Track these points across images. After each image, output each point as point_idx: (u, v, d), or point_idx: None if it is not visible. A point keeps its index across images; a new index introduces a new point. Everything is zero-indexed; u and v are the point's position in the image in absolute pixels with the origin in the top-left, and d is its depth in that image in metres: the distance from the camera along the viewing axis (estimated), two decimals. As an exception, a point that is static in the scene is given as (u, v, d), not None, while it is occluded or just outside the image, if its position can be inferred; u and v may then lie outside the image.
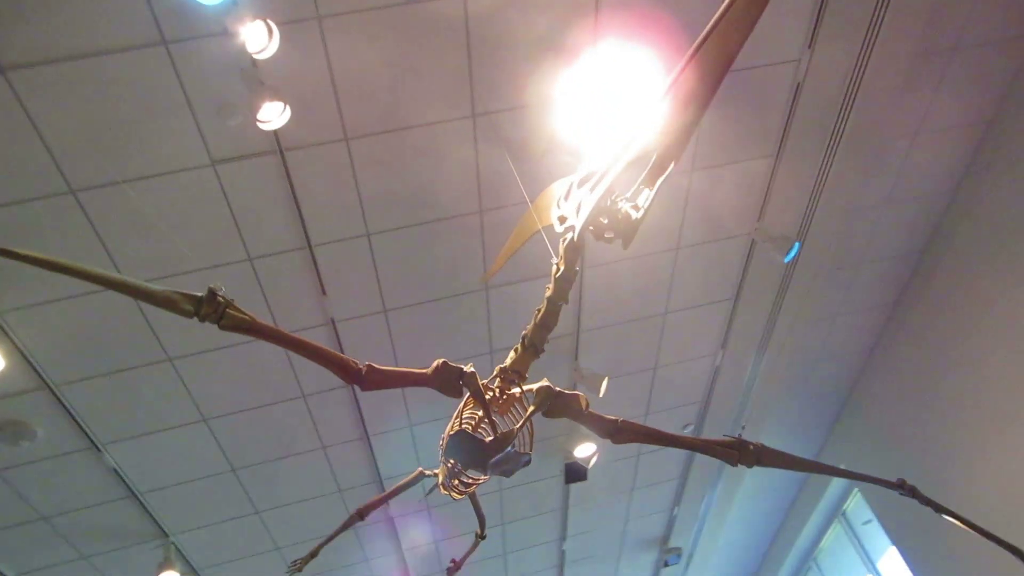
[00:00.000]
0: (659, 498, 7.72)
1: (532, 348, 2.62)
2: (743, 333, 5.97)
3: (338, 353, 2.53)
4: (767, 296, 5.70)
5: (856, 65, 4.32)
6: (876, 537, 7.95)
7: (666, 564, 8.51)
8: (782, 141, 4.66)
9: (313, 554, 3.45)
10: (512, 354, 2.72)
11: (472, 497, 3.21)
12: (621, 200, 2.18)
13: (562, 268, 2.44)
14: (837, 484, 8.08)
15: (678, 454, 7.19)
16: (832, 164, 4.83)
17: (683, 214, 4.90)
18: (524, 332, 2.63)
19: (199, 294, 2.29)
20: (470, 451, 2.58)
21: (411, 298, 4.86)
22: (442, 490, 2.98)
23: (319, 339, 4.83)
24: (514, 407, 2.79)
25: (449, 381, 2.59)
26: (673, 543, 8.31)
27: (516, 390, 2.75)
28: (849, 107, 4.54)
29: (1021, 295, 5.35)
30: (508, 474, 2.71)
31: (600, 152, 2.23)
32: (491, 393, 2.78)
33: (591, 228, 2.24)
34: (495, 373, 2.76)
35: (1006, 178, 5.24)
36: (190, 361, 4.65)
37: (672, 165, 2.09)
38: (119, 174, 3.68)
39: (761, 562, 9.52)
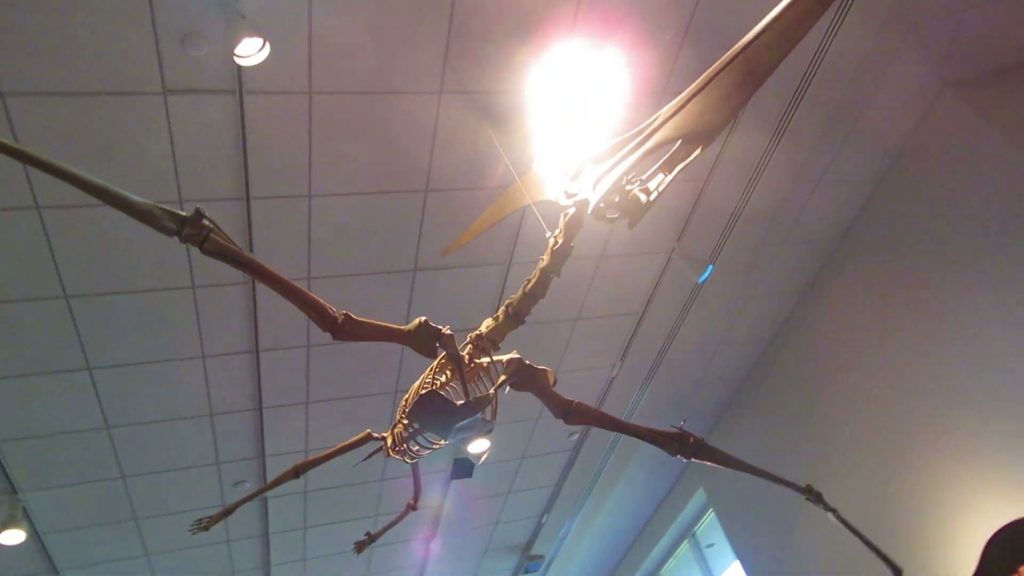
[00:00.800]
0: (531, 504, 7.86)
1: (515, 317, 2.66)
2: (641, 348, 6.24)
3: (318, 299, 2.48)
4: (670, 314, 6.00)
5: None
6: (721, 557, 8.50)
7: (526, 571, 8.65)
8: (712, 168, 4.96)
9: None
10: (490, 321, 2.74)
11: (415, 465, 3.19)
12: (636, 181, 2.28)
13: (560, 241, 2.50)
14: (693, 505, 8.55)
15: (559, 462, 7.38)
16: (749, 198, 5.20)
17: (612, 224, 5.09)
18: (509, 301, 2.66)
19: (184, 213, 2.21)
20: (439, 413, 2.58)
21: (337, 269, 4.74)
22: (391, 454, 2.94)
23: (232, 296, 4.63)
24: (480, 376, 2.81)
25: (426, 340, 2.59)
26: (536, 550, 8.47)
27: (486, 359, 2.77)
28: (773, 149, 4.92)
29: (892, 344, 5.89)
30: (465, 441, 2.74)
31: (621, 133, 2.33)
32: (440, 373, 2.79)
33: (601, 204, 2.32)
34: (468, 340, 2.78)
35: (887, 231, 5.77)
36: (84, 301, 4.29)
37: (696, 153, 2.20)
38: (56, 84, 3.39)
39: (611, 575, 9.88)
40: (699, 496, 8.39)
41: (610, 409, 6.73)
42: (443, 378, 2.74)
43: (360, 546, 3.70)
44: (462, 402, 2.56)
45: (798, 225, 5.76)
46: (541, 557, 8.49)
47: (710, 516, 8.52)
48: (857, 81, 4.84)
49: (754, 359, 7.16)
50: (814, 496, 3.27)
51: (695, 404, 7.38)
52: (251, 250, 4.37)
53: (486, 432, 2.73)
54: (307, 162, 4.08)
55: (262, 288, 4.60)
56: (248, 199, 4.13)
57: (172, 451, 5.52)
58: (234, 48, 3.20)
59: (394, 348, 5.36)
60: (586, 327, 5.82)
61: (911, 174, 5.47)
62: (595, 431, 7.10)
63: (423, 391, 2.63)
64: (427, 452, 2.87)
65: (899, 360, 5.59)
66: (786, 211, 5.59)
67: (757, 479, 6.85)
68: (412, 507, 3.40)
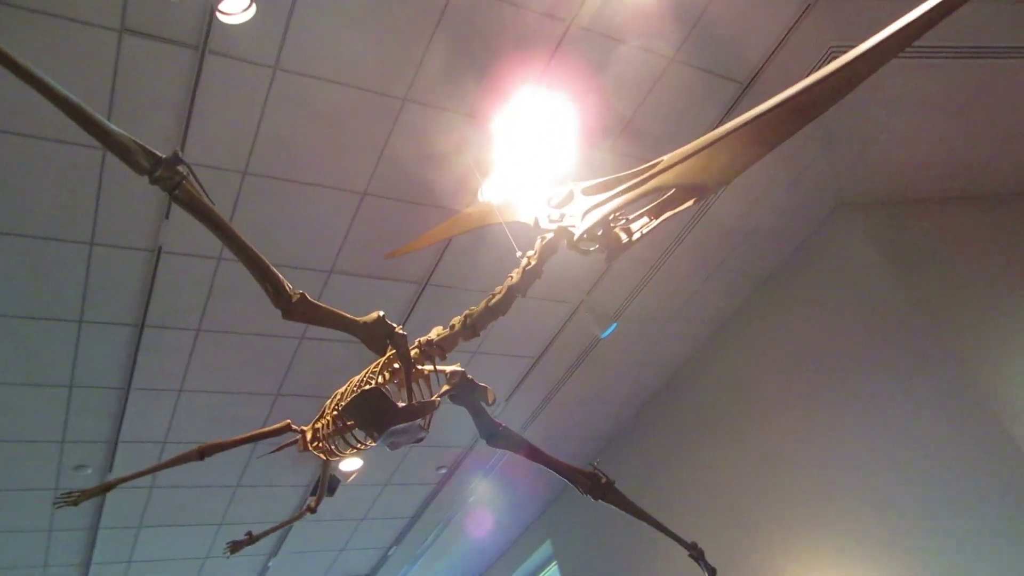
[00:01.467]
0: (383, 534, 7.66)
1: (471, 329, 2.63)
2: (528, 393, 6.33)
3: (279, 274, 2.40)
4: (562, 365, 6.14)
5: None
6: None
7: (361, 603, 8.36)
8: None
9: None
10: (441, 329, 2.70)
11: (326, 466, 3.05)
12: (622, 220, 2.36)
13: (533, 263, 2.52)
14: (539, 555, 8.64)
15: (420, 494, 7.25)
16: (653, 276, 5.48)
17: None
18: (468, 312, 2.64)
19: (160, 153, 2.12)
20: (378, 412, 2.51)
21: (228, 325, 4.67)
22: (308, 448, 2.82)
23: (132, 263, 4.32)
24: (418, 383, 2.76)
25: (377, 336, 2.54)
26: (378, 583, 8.23)
27: (428, 367, 2.73)
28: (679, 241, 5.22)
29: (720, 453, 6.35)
30: (395, 446, 2.67)
31: (615, 173, 2.41)
32: (399, 364, 2.73)
33: (585, 236, 2.38)
34: (416, 344, 2.73)
35: (761, 326, 6.23)
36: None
37: (688, 204, 2.30)
38: (7, -3, 3.11)
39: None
40: (546, 548, 8.49)
41: (481, 450, 6.79)
42: (382, 379, 2.68)
43: (236, 546, 3.48)
44: (404, 405, 2.50)
45: (688, 307, 6.08)
46: (378, 590, 8.24)
47: (552, 570, 8.64)
48: (758, 191, 5.19)
49: (624, 421, 7.42)
50: (697, 553, 3.40)
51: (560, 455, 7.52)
52: (165, 217, 4.11)
53: (417, 440, 2.67)
54: (252, 138, 3.91)
55: (165, 262, 4.34)
56: (178, 162, 3.89)
57: (15, 419, 4.98)
58: (219, 3, 3.06)
59: (286, 350, 5.20)
60: (483, 361, 5.84)
61: (794, 277, 5.95)
62: (464, 469, 7.09)
63: (366, 387, 2.55)
64: (348, 452, 2.77)
65: (754, 450, 5.97)
66: (680, 294, 5.90)
67: (606, 540, 7.12)
68: (312, 509, 3.24)
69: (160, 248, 4.26)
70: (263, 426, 5.52)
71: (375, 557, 7.98)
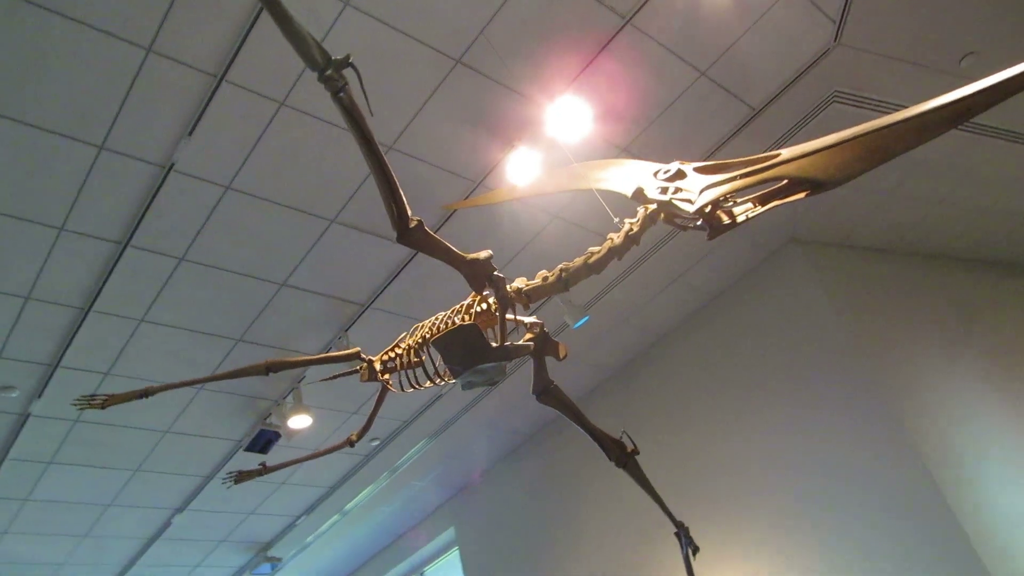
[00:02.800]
0: (297, 501, 7.49)
1: (563, 283, 2.72)
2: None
3: (404, 197, 2.45)
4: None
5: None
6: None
7: (255, 571, 8.09)
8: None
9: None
10: (536, 281, 2.77)
11: (381, 400, 3.05)
12: (730, 202, 2.56)
13: (635, 229, 2.65)
14: (440, 540, 8.71)
15: (345, 465, 7.16)
16: (637, 270, 5.76)
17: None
18: (564, 266, 2.73)
19: (337, 57, 2.16)
20: (470, 347, 2.57)
21: (214, 259, 4.56)
22: (377, 377, 2.82)
23: (134, 176, 4.12)
24: (494, 328, 2.82)
25: (480, 274, 2.61)
26: (276, 551, 7.99)
27: (509, 315, 2.81)
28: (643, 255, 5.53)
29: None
30: (470, 386, 2.73)
31: (733, 157, 2.61)
32: (485, 305, 2.80)
33: (694, 212, 2.55)
34: (509, 289, 2.77)
35: (695, 347, 6.65)
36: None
37: (798, 197, 2.53)
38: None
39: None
40: (449, 533, 8.58)
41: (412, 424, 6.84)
42: (468, 317, 2.75)
43: (243, 476, 3.37)
44: (497, 345, 2.58)
45: (640, 313, 6.41)
46: (278, 560, 8.01)
47: (452, 554, 8.73)
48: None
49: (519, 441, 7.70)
50: (684, 531, 3.60)
51: (466, 457, 7.72)
52: (190, 133, 3.94)
53: (492, 383, 2.75)
54: (243, 157, 3.99)
55: (173, 181, 4.16)
56: (168, 170, 4.06)
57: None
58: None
59: (263, 295, 5.07)
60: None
61: (740, 299, 6.40)
62: (396, 444, 7.08)
63: (464, 323, 2.61)
64: (424, 385, 2.81)
65: (680, 451, 6.33)
66: (638, 301, 6.23)
67: (509, 533, 7.36)
68: (352, 441, 3.20)
69: (172, 165, 4.07)
70: (215, 371, 5.40)
71: (282, 525, 7.77)
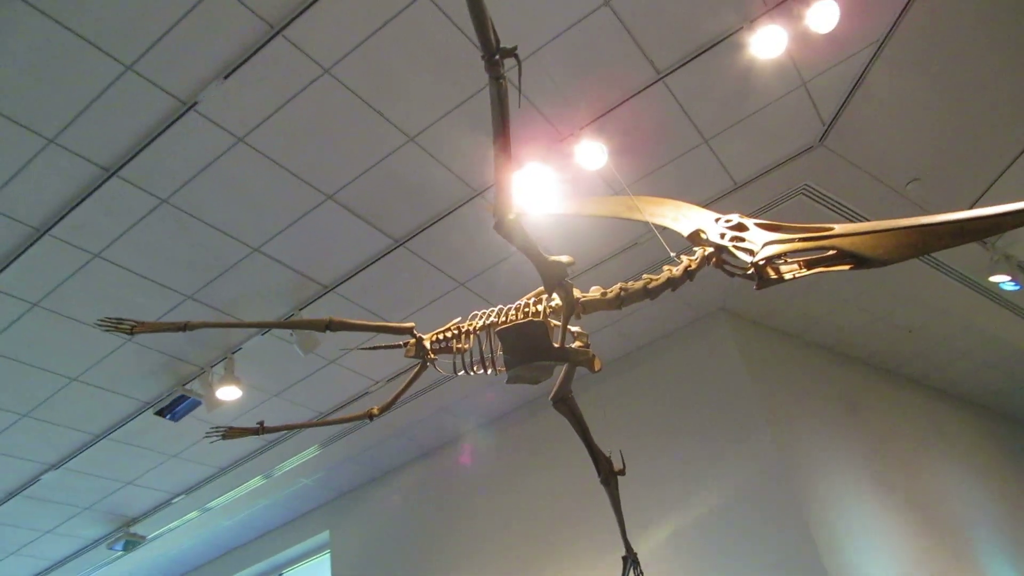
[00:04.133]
0: (181, 478, 7.08)
1: (617, 302, 2.88)
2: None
3: (512, 193, 2.55)
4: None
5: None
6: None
7: (109, 547, 7.51)
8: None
9: None
10: (594, 294, 2.92)
11: (415, 378, 3.07)
12: (782, 260, 2.85)
13: (694, 266, 2.88)
14: (313, 542, 8.48)
15: (243, 448, 6.88)
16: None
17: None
18: (624, 285, 2.90)
19: (506, 46, 2.29)
20: (532, 342, 2.69)
21: (197, 208, 4.54)
22: (428, 354, 2.87)
23: (153, 108, 3.95)
24: (550, 330, 2.93)
25: (554, 276, 2.73)
26: (140, 529, 7.48)
27: (557, 322, 2.95)
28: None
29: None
30: (516, 379, 2.84)
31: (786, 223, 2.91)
32: (540, 307, 2.92)
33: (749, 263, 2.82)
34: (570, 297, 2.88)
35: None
36: None
37: (842, 268, 2.86)
38: None
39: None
40: (323, 536, 8.38)
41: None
42: (515, 316, 2.86)
43: (235, 432, 3.24)
44: (558, 346, 2.72)
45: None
46: (141, 538, 7.48)
47: (322, 557, 8.52)
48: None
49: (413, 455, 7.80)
50: (632, 557, 3.79)
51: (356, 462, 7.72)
52: (225, 78, 3.84)
53: (537, 382, 2.87)
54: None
55: (188, 119, 4.01)
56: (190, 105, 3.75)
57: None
58: None
59: (232, 256, 4.94)
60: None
61: (663, 351, 6.84)
62: (301, 436, 6.91)
63: (532, 318, 2.73)
64: (467, 372, 2.88)
65: (570, 483, 6.58)
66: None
67: (387, 546, 7.43)
68: (372, 415, 3.14)
69: (194, 104, 3.93)
70: (156, 319, 5.14)
71: (156, 500, 7.29)
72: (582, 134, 4.53)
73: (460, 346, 2.92)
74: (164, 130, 4.03)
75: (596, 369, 3.11)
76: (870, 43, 4.43)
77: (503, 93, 2.28)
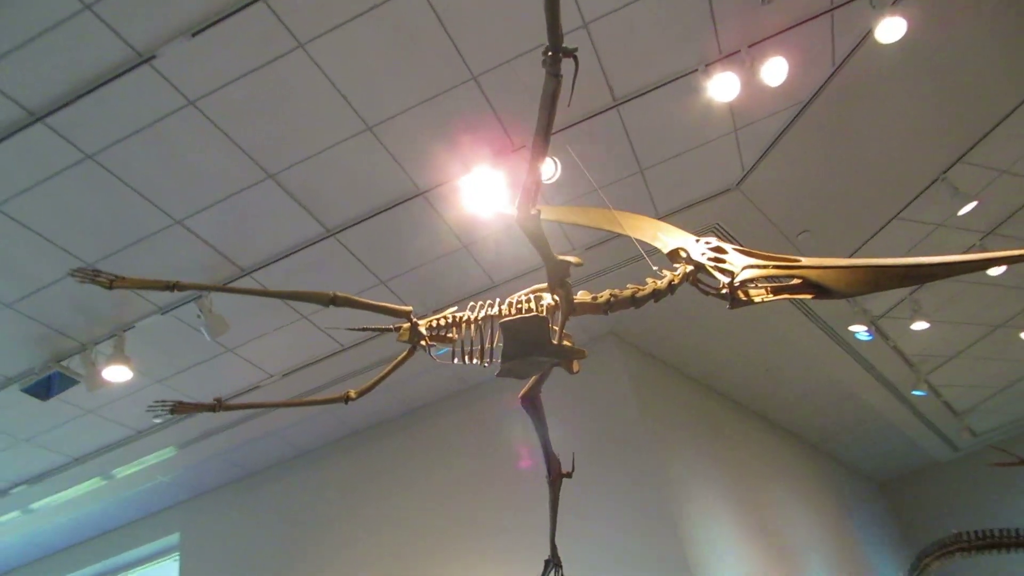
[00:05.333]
0: (26, 464, 6.37)
1: (606, 307, 2.99)
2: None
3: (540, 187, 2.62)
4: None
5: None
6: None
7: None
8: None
9: None
10: (585, 298, 3.00)
11: (400, 364, 2.99)
12: (753, 284, 3.12)
13: (676, 281, 3.06)
14: (162, 543, 7.91)
15: (108, 436, 6.32)
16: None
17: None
18: (614, 292, 3.02)
19: (571, 48, 2.37)
20: (531, 337, 2.75)
21: (124, 170, 4.17)
22: (421, 340, 2.84)
23: (103, 54, 3.65)
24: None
25: (558, 275, 2.82)
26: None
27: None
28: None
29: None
30: (507, 373, 2.89)
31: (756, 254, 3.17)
32: (534, 304, 2.98)
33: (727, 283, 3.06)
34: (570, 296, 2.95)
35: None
36: None
37: (805, 296, 3.18)
38: None
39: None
40: (172, 538, 7.83)
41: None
42: (520, 310, 2.92)
43: (186, 407, 3.00)
44: (555, 343, 2.81)
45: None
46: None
47: (169, 560, 7.94)
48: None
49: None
50: (556, 561, 3.88)
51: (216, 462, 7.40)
52: (193, 35, 3.61)
53: (526, 376, 2.93)
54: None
55: (140, 73, 3.73)
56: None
57: None
58: None
59: (151, 224, 4.64)
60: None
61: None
62: (176, 428, 6.46)
63: (537, 313, 2.79)
64: (463, 362, 2.88)
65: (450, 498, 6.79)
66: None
67: (253, 549, 7.17)
68: (348, 398, 2.98)
69: (152, 58, 3.67)
70: (38, 290, 4.71)
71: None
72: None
73: (452, 336, 2.92)
74: (109, 81, 3.72)
75: (575, 371, 3.23)
76: (796, 103, 4.92)
77: (557, 90, 2.33)
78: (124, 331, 5.20)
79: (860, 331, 6.98)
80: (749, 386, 8.72)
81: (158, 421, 3.18)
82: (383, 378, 2.98)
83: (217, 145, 4.18)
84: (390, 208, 4.91)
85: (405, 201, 4.89)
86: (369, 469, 7.21)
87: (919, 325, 7.28)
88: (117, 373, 5.10)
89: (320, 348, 5.98)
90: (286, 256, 5.03)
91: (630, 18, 4.17)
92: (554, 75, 2.32)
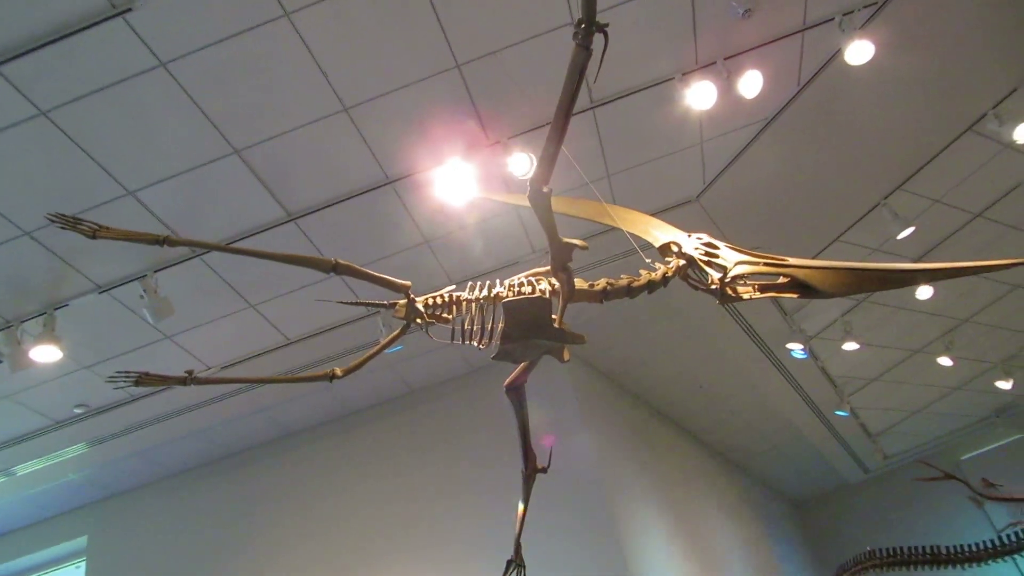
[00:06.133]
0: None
1: (601, 296, 2.97)
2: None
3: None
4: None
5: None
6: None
7: None
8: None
9: None
10: (583, 285, 2.97)
11: (392, 342, 2.86)
12: (742, 281, 3.18)
13: (670, 274, 3.07)
14: (67, 547, 7.36)
15: (27, 424, 5.87)
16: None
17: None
18: (609, 281, 3.00)
19: (602, 24, 2.36)
20: (533, 319, 2.71)
21: (79, 131, 3.90)
22: (419, 318, 2.73)
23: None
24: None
25: (561, 258, 2.79)
26: None
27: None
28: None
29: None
30: (504, 355, 2.82)
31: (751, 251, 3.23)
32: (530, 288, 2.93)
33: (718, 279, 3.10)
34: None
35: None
36: None
37: (791, 295, 3.24)
38: None
39: None
40: (79, 542, 7.31)
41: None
42: (517, 292, 2.86)
43: (151, 379, 2.76)
44: (557, 327, 2.77)
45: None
46: None
47: (74, 566, 7.40)
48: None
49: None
50: (519, 562, 3.79)
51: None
52: None
53: (523, 360, 2.87)
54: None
55: (113, 27, 3.52)
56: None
57: None
58: None
59: (99, 193, 4.38)
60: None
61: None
62: (96, 421, 6.06)
63: (538, 294, 2.74)
64: (460, 341, 2.79)
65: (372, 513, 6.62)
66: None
67: (166, 557, 6.80)
68: (333, 376, 2.81)
69: (127, 10, 3.44)
70: None
71: None
72: (509, 144, 4.63)
73: (447, 316, 2.83)
74: (77, 32, 3.47)
75: (566, 359, 3.18)
76: (761, 120, 5.07)
77: (586, 63, 2.31)
78: (55, 309, 4.84)
79: (796, 349, 7.22)
80: (684, 403, 8.89)
81: (119, 390, 2.90)
82: (372, 356, 2.86)
83: (184, 113, 3.97)
84: (356, 196, 4.77)
85: (372, 189, 4.77)
86: (302, 473, 6.93)
87: (850, 346, 7.59)
88: (45, 353, 4.73)
89: (265, 340, 5.73)
90: (241, 239, 4.80)
91: (615, 21, 4.19)
92: (585, 47, 2.29)
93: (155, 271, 4.79)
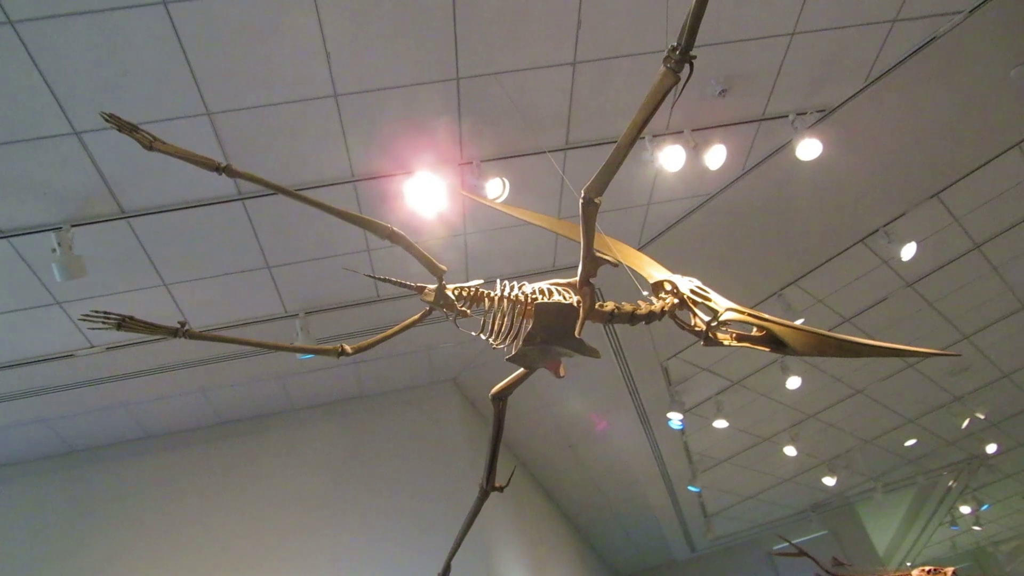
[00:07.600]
0: None
1: (608, 317, 3.04)
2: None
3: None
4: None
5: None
6: None
7: None
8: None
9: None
10: (598, 304, 3.02)
11: (409, 327, 2.73)
12: (723, 328, 3.40)
13: (667, 308, 3.22)
14: None
15: None
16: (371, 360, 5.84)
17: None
18: (617, 305, 3.07)
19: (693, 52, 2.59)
20: (561, 325, 2.73)
21: (46, 47, 3.63)
22: (450, 306, 2.65)
23: None
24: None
25: (591, 272, 2.86)
26: None
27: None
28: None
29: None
30: (522, 357, 2.81)
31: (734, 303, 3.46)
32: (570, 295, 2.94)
33: (705, 322, 3.30)
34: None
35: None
36: None
37: (764, 349, 3.49)
38: None
39: None
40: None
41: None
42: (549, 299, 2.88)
43: (137, 325, 2.45)
44: (579, 337, 2.80)
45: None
46: None
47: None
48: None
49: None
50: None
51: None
52: None
53: (535, 367, 2.86)
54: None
55: None
56: None
57: None
58: None
59: (48, 127, 3.86)
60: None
61: (406, 406, 6.91)
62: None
63: (568, 300, 2.77)
64: (482, 334, 2.74)
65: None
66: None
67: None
68: (342, 351, 2.58)
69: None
70: None
71: None
72: (482, 166, 4.67)
73: (466, 311, 2.78)
74: (85, -56, 3.17)
75: (561, 375, 3.20)
76: (702, 195, 5.46)
77: (670, 88, 2.42)
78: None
79: (675, 419, 7.59)
80: (550, 460, 9.03)
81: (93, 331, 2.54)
82: (387, 337, 2.74)
83: (168, 61, 3.68)
84: (314, 188, 4.59)
85: (333, 184, 4.61)
86: (163, 476, 6.30)
87: (720, 423, 8.09)
88: None
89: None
90: (179, 209, 4.45)
91: (607, 72, 4.44)
92: (674, 72, 2.39)
93: (73, 225, 4.31)
